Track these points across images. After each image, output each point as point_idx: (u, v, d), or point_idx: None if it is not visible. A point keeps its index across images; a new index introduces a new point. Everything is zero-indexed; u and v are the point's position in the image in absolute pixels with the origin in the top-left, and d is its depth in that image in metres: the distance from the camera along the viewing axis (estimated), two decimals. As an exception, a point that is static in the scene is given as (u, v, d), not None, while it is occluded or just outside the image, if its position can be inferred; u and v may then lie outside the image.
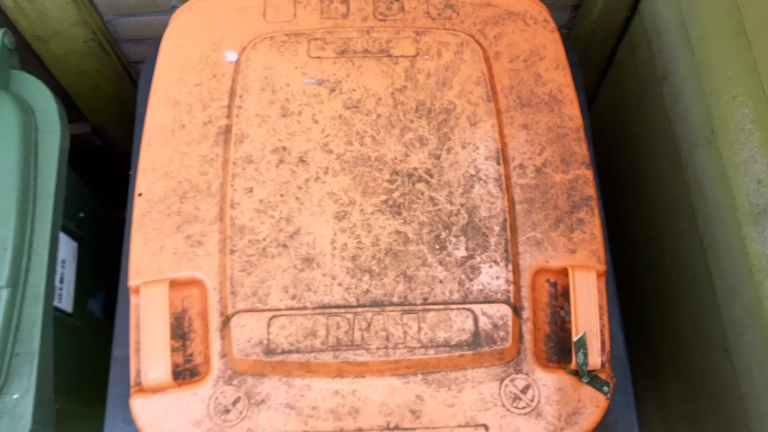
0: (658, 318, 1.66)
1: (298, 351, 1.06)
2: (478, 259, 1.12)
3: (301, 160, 1.18)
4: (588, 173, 1.21)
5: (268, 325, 1.07)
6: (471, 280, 1.11)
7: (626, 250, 1.76)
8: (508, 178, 1.19)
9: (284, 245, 1.12)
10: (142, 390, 1.07)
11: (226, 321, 1.08)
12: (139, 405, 1.06)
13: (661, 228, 1.60)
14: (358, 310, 1.08)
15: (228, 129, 1.21)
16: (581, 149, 1.22)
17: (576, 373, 1.08)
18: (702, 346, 1.44)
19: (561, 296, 1.15)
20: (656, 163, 1.60)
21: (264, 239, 1.13)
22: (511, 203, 1.17)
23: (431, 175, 1.17)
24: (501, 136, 1.21)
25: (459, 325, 1.08)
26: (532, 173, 1.20)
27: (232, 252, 1.12)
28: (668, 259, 1.58)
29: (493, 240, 1.13)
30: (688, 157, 1.44)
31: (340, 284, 1.10)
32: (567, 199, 1.18)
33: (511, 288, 1.11)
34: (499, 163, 1.19)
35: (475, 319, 1.08)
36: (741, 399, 1.30)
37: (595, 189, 1.20)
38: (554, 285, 1.15)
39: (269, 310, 1.08)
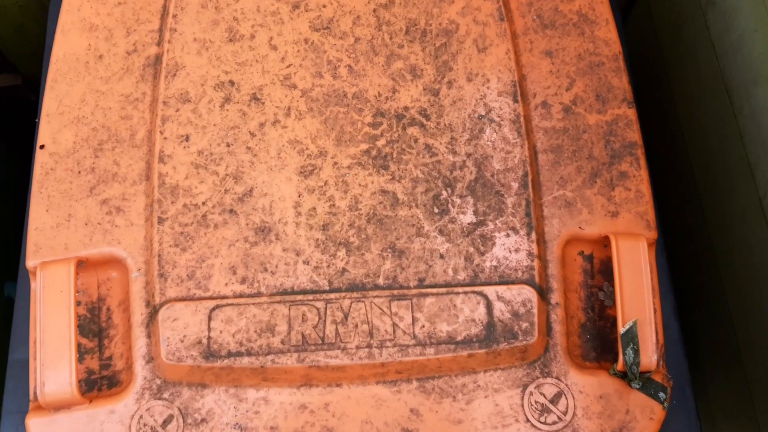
0: (698, 296, 1.40)
1: (249, 353, 0.78)
2: (491, 226, 0.84)
3: (254, 99, 0.89)
4: (630, 113, 0.93)
5: (209, 318, 0.79)
6: (482, 254, 0.83)
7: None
8: (528, 119, 0.90)
9: (231, 211, 0.84)
10: (40, 407, 0.79)
11: (153, 313, 0.80)
12: (36, 427, 0.78)
13: (704, 187, 1.33)
14: (332, 296, 0.80)
15: (158, 59, 0.92)
16: (621, 82, 0.94)
17: (623, 376, 0.81)
18: (760, 331, 1.17)
19: (599, 273, 0.88)
20: (698, 110, 1.32)
21: (204, 203, 0.84)
22: (533, 152, 0.89)
23: (427, 117, 0.89)
24: (518, 65, 0.93)
25: (467, 314, 0.80)
26: (559, 113, 0.92)
27: (161, 221, 0.83)
28: (712, 224, 1.30)
29: (510, 201, 0.85)
30: (742, 99, 1.16)
31: (306, 262, 0.82)
32: (605, 146, 0.91)
33: (535, 264, 0.83)
34: (515, 101, 0.90)
35: (489, 306, 0.80)
36: (814, 396, 1.05)
37: (640, 133, 0.92)
38: (590, 259, 0.88)
39: (211, 298, 0.80)
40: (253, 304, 0.80)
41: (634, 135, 0.92)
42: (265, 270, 0.81)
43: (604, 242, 0.87)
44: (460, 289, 0.81)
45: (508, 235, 0.84)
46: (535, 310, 0.81)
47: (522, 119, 0.89)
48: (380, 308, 0.80)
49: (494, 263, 0.83)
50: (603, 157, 0.90)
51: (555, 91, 0.93)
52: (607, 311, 0.86)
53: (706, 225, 1.33)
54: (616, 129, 0.92)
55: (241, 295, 0.80)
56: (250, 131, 0.87)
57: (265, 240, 0.82)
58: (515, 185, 0.86)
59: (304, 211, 0.84)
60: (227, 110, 0.88)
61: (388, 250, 0.83)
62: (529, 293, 0.81)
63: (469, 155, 0.87)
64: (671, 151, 1.43)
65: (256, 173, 0.85)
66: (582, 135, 0.91)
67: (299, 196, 0.85)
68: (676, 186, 1.43)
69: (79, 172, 0.87)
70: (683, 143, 1.38)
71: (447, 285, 0.81)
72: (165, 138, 0.87)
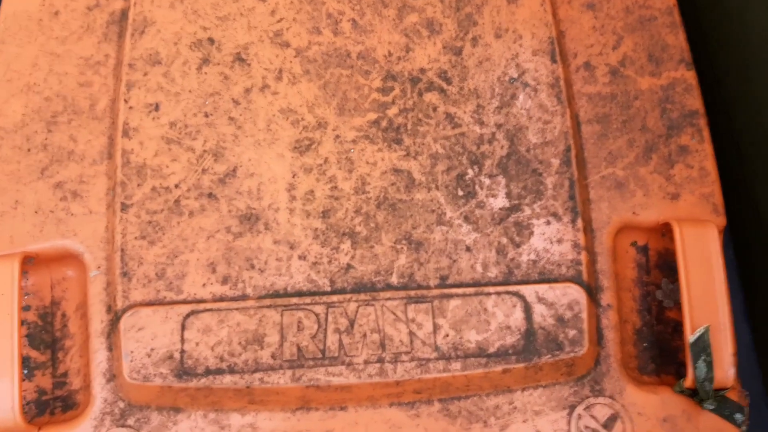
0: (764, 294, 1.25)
1: (233, 370, 0.63)
2: (528, 211, 0.69)
3: (239, 59, 0.74)
4: (690, 76, 0.78)
5: (183, 326, 0.64)
6: (517, 245, 0.68)
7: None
8: (568, 83, 0.75)
9: (210, 195, 0.69)
10: (-22, 437, 0.65)
11: (114, 320, 0.66)
12: (-27, 462, 0.64)
13: (755, 169, 1.17)
14: (334, 299, 0.65)
15: (124, 15, 0.77)
16: (677, 40, 0.79)
17: (692, 394, 0.66)
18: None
19: (656, 268, 0.73)
20: (749, 78, 1.16)
21: (177, 186, 0.69)
22: (576, 123, 0.74)
23: (448, 80, 0.74)
24: (555, 19, 0.78)
25: (501, 319, 0.65)
26: (605, 76, 0.76)
27: (125, 208, 0.68)
28: (765, 210, 1.15)
29: (550, 181, 0.70)
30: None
31: (302, 257, 0.67)
32: (661, 115, 0.76)
33: (582, 257, 0.68)
34: (554, 61, 0.75)
35: (527, 310, 0.66)
36: None
37: (701, 100, 0.77)
38: (644, 250, 0.73)
39: (185, 302, 0.65)
40: (237, 309, 0.65)
41: (695, 102, 0.77)
42: (252, 267, 0.66)
43: (662, 230, 0.72)
44: (491, 289, 0.66)
45: (548, 223, 0.69)
46: (584, 315, 0.66)
47: (562, 83, 0.74)
48: (394, 313, 0.65)
49: (532, 257, 0.68)
50: (659, 128, 0.75)
51: (599, 51, 0.78)
52: (666, 314, 0.71)
53: (759, 211, 1.18)
54: (673, 95, 0.76)
55: (222, 299, 0.65)
56: (233, 98, 0.72)
57: (251, 230, 0.67)
58: (556, 162, 0.71)
59: (299, 194, 0.69)
60: (205, 73, 0.73)
61: (403, 242, 0.67)
62: (576, 293, 0.66)
63: (499, 126, 0.72)
64: (717, 128, 1.27)
65: (240, 149, 0.70)
66: (633, 102, 0.76)
67: (293, 177, 0.70)
68: (722, 168, 1.28)
69: (29, 150, 0.72)
70: (731, 118, 1.23)
71: (475, 284, 0.66)
72: (130, 107, 0.72)
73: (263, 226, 0.68)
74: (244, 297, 0.65)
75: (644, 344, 0.70)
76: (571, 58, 0.77)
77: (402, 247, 0.67)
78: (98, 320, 0.67)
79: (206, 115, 0.71)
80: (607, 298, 0.69)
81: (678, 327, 0.71)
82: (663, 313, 0.72)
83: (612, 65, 0.77)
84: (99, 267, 0.68)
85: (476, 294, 0.66)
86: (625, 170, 0.73)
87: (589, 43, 0.78)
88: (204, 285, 0.66)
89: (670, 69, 0.78)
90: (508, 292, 0.66)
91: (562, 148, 0.72)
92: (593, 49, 0.78)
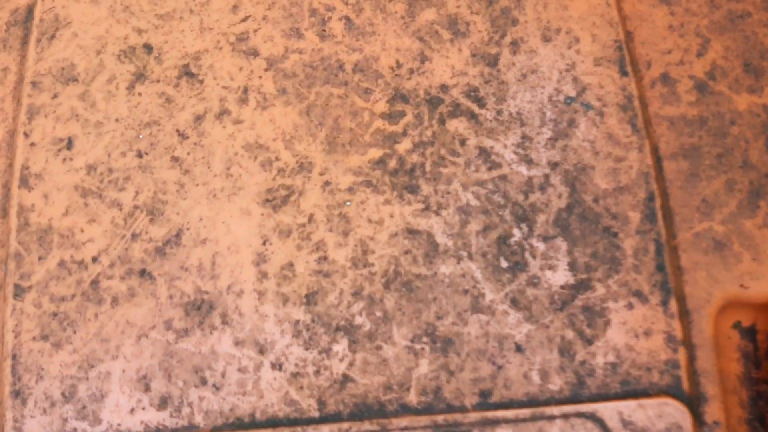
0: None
1: None
2: (601, 290, 0.49)
3: (187, 74, 0.53)
4: (800, 92, 0.58)
5: (99, 479, 0.43)
6: (588, 341, 0.48)
7: None
8: (644, 102, 0.55)
9: (144, 273, 0.48)
10: None
11: (0, 465, 0.45)
12: None
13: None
14: (325, 429, 0.44)
15: (30, 13, 0.56)
16: (780, 44, 0.59)
17: None
18: None
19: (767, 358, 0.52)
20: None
21: (96, 260, 0.48)
22: (656, 159, 0.54)
23: (480, 102, 0.53)
24: (621, 17, 0.57)
25: (570, 457, 0.45)
26: (690, 93, 0.56)
27: (20, 292, 0.47)
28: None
29: (628, 244, 0.50)
30: None
31: (277, 366, 0.46)
32: (767, 146, 0.55)
33: (680, 356, 0.48)
34: (624, 73, 0.55)
35: (607, 441, 0.45)
36: None
37: (818, 124, 0.57)
38: (750, 334, 0.53)
39: (102, 438, 0.44)
40: (181, 449, 0.44)
41: (811, 127, 0.57)
42: (203, 383, 0.45)
43: (777, 307, 0.52)
44: (555, 410, 0.45)
45: (630, 306, 0.48)
46: (688, 445, 0.45)
47: (636, 103, 0.54)
48: (413, 452, 0.44)
49: (611, 358, 0.47)
50: (765, 164, 0.55)
51: (680, 58, 0.57)
52: (785, 423, 0.51)
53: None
54: (780, 118, 0.56)
55: (159, 431, 0.44)
56: (178, 130, 0.51)
57: (202, 326, 0.46)
58: (635, 216, 0.51)
59: (272, 270, 0.48)
60: (139, 95, 0.52)
61: (424, 339, 0.47)
62: (675, 411, 0.46)
63: (554, 166, 0.52)
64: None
65: (187, 204, 0.49)
66: (729, 128, 0.56)
67: (264, 244, 0.49)
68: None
69: None
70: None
71: (532, 402, 0.46)
72: (32, 144, 0.50)
73: (219, 319, 0.47)
74: (191, 429, 0.44)
75: (760, 471, 0.50)
76: (643, 69, 0.57)
77: (423, 348, 0.46)
78: (-22, 461, 0.45)
79: (139, 155, 0.50)
80: (713, 412, 0.48)
81: (803, 443, 0.51)
82: (781, 422, 0.51)
83: (698, 78, 0.57)
84: (-18, 379, 0.47)
85: (533, 418, 0.45)
86: (725, 224, 0.53)
87: (666, 47, 0.58)
88: (132, 411, 0.45)
89: (773, 82, 0.58)
90: (579, 414, 0.45)
91: (643, 195, 0.51)
92: (672, 57, 0.57)
